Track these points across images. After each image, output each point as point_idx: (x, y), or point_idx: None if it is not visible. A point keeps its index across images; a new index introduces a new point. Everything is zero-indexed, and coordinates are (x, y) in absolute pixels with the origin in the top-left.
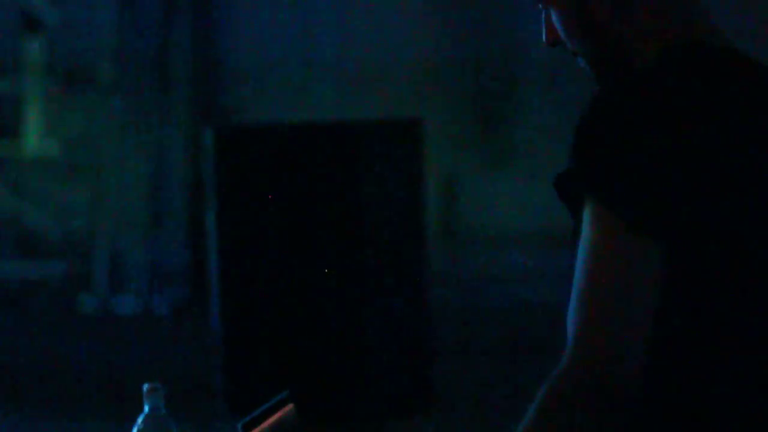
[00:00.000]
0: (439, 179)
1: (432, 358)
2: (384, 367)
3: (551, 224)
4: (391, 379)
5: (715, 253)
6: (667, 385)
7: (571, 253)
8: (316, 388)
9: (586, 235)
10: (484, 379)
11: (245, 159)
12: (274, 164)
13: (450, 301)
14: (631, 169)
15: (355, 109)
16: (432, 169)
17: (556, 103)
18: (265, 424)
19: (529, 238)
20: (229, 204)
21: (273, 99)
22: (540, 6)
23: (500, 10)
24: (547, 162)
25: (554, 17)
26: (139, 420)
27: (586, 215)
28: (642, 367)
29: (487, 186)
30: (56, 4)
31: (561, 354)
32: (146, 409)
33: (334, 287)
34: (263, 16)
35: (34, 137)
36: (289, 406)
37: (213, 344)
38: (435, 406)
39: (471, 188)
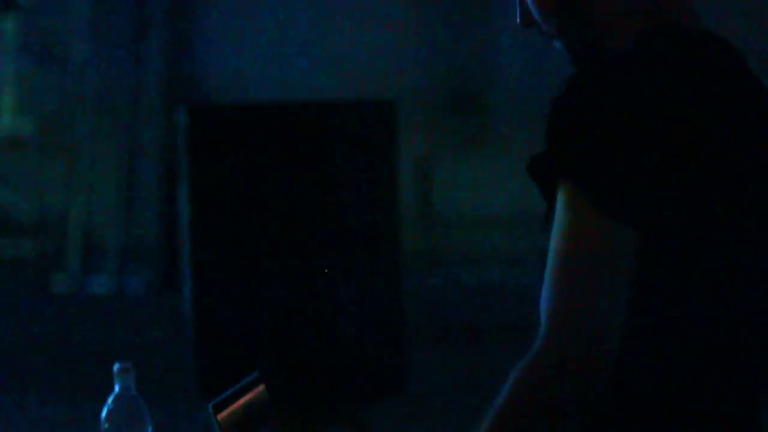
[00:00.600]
0: (413, 161)
1: (407, 340)
2: (358, 348)
3: (526, 206)
4: (365, 361)
5: (690, 237)
6: (639, 370)
7: (544, 237)
8: (289, 370)
9: (559, 218)
10: (459, 360)
11: (218, 138)
12: (247, 144)
13: (425, 282)
14: (605, 153)
15: (329, 90)
16: (407, 151)
17: (531, 85)
18: (236, 405)
19: (504, 220)
20: (202, 184)
21: (247, 79)
22: None
23: None
24: (522, 144)
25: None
26: (110, 400)
27: (560, 199)
28: (615, 351)
29: (461, 168)
30: None
31: (535, 337)
32: (117, 389)
33: (308, 269)
34: None
35: (8, 116)
36: (260, 387)
37: (184, 325)
38: (410, 389)
39: (446, 170)
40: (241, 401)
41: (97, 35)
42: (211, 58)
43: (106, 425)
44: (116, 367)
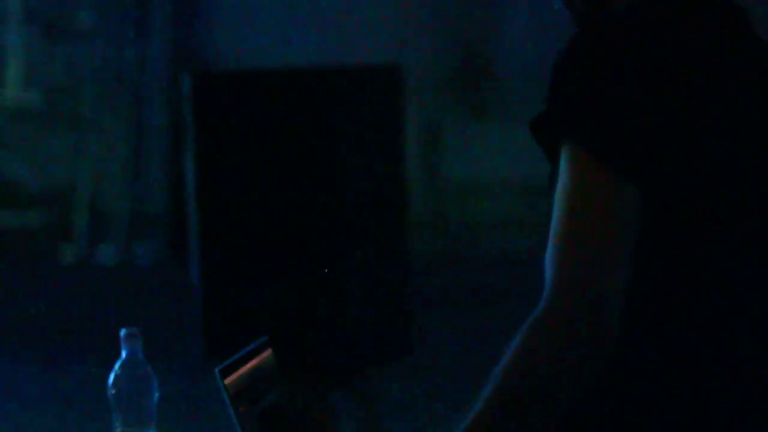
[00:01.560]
0: (420, 127)
1: (413, 306)
2: (365, 314)
3: (533, 172)
4: (372, 326)
5: (693, 193)
6: (645, 328)
7: (549, 197)
8: (296, 335)
9: (563, 177)
10: (466, 326)
11: (224, 105)
12: (253, 111)
13: (431, 248)
14: (608, 111)
15: (336, 57)
16: (414, 117)
17: (540, 51)
18: (243, 370)
19: (511, 187)
20: (208, 151)
21: (253, 45)
22: None
23: None
24: (530, 111)
25: None
26: (117, 365)
27: (563, 158)
28: (620, 308)
29: (469, 135)
30: None
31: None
32: (123, 354)
33: (315, 235)
34: None
35: (14, 87)
36: (267, 352)
37: (192, 293)
38: (416, 354)
39: (453, 136)
40: (248, 366)
41: (102, 5)
42: (216, 26)
43: (114, 390)
44: (123, 332)
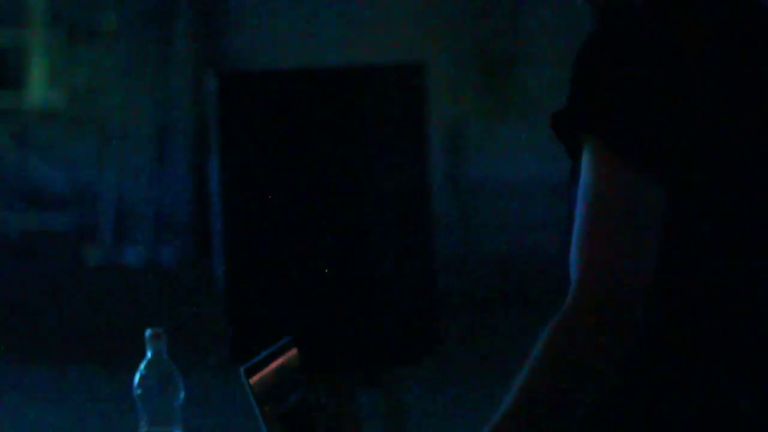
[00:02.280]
0: (442, 127)
1: (437, 305)
2: (389, 313)
3: (556, 172)
4: (396, 326)
5: (716, 188)
6: (670, 322)
7: (569, 193)
8: (321, 335)
9: (585, 174)
10: (489, 326)
11: (249, 105)
12: (277, 110)
13: (454, 248)
14: (630, 107)
15: (359, 56)
16: (437, 117)
17: (561, 50)
18: (268, 369)
19: (533, 186)
20: (233, 151)
21: (276, 45)
22: None
23: None
24: (551, 110)
25: None
26: (142, 365)
27: (585, 154)
28: (645, 303)
29: (492, 134)
30: None
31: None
32: (149, 354)
33: (339, 234)
34: None
35: (39, 88)
36: (292, 351)
37: (217, 294)
38: (440, 353)
39: (475, 136)
40: (273, 365)
41: (126, 7)
42: (240, 27)
43: (139, 390)
44: (148, 332)
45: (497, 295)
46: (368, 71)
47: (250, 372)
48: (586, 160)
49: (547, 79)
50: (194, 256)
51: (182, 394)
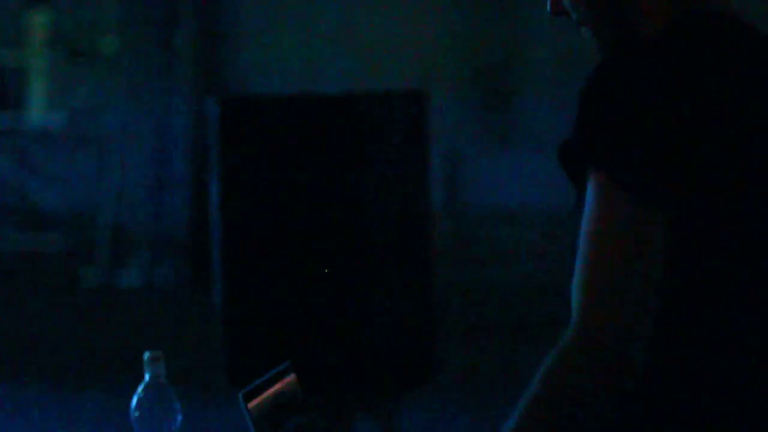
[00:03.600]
0: (442, 155)
1: (435, 332)
2: (388, 340)
3: (555, 200)
4: (395, 352)
5: (720, 223)
6: (673, 356)
7: (573, 224)
8: (319, 361)
9: (589, 205)
10: (488, 354)
11: (249, 130)
12: (278, 135)
13: (453, 276)
14: (635, 139)
15: (359, 81)
16: (435, 144)
17: (560, 80)
18: (267, 394)
19: (532, 215)
20: (233, 176)
21: (277, 71)
22: None
23: None
24: (551, 138)
25: None
26: (140, 388)
27: (590, 186)
28: (647, 336)
29: (491, 162)
30: None
31: (565, 329)
32: (147, 377)
33: (338, 261)
34: None
35: (39, 109)
36: (291, 377)
37: (214, 316)
38: (439, 381)
39: (474, 164)
40: (272, 390)
41: (127, 28)
42: (241, 50)
43: (137, 413)
44: (146, 355)
45: (496, 323)
46: (369, 98)
47: (249, 396)
48: (589, 192)
49: (547, 108)
50: (191, 279)
51: (180, 418)
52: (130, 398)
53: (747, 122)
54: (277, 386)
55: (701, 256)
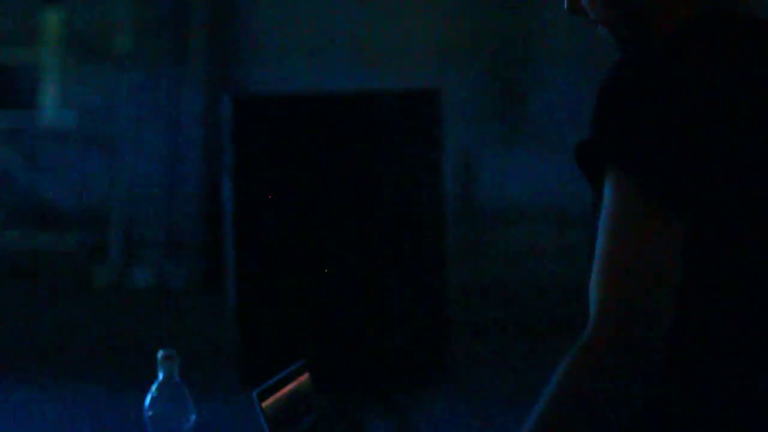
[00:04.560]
0: (456, 154)
1: (448, 332)
2: (401, 338)
3: (569, 200)
4: (408, 350)
5: (739, 223)
6: (691, 354)
7: (591, 223)
8: (332, 359)
9: (608, 204)
10: (500, 353)
11: (263, 128)
12: (292, 134)
13: (466, 275)
14: (654, 138)
15: (373, 82)
16: (449, 143)
17: (574, 78)
18: (280, 393)
19: (546, 214)
20: (246, 175)
21: (290, 70)
22: None
23: None
24: (565, 137)
25: None
26: (153, 387)
27: (608, 184)
28: (665, 337)
29: (504, 161)
30: None
31: (579, 330)
32: (160, 376)
33: (352, 259)
34: None
35: (51, 108)
36: (305, 376)
37: (228, 316)
38: (450, 381)
39: (488, 162)
40: (286, 389)
41: (140, 28)
42: (253, 50)
43: (150, 412)
44: (160, 354)
45: (509, 322)
46: (382, 96)
47: (263, 395)
48: (608, 191)
49: (562, 107)
50: (204, 278)
51: (194, 417)
52: (144, 397)
53: (765, 122)
54: (291, 385)
55: (720, 255)
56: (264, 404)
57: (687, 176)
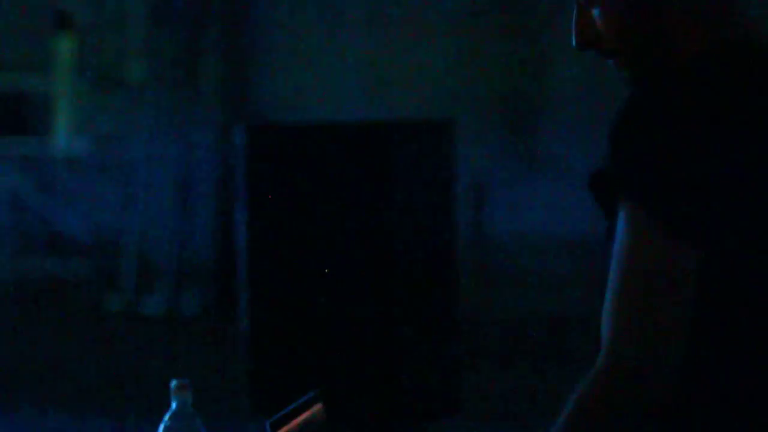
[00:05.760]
0: (468, 183)
1: (460, 362)
2: (414, 369)
3: (581, 229)
4: (421, 381)
5: (753, 258)
6: (702, 386)
7: (605, 255)
8: (344, 389)
9: (621, 236)
10: (514, 383)
11: (276, 158)
12: (305, 163)
13: (478, 305)
14: (668, 170)
15: (386, 111)
16: (462, 173)
17: (586, 108)
18: (293, 423)
19: (558, 243)
20: (259, 203)
21: (303, 99)
22: (577, 2)
23: (532, 14)
24: (577, 166)
25: (598, 12)
26: (167, 417)
27: (621, 217)
28: (677, 367)
29: (516, 190)
30: (88, 2)
31: (592, 359)
32: (173, 405)
33: (364, 288)
34: (295, 17)
35: (65, 135)
36: (318, 406)
37: (240, 344)
38: (463, 412)
39: (500, 192)
40: (299, 420)
41: (153, 56)
42: (266, 79)
43: None
44: (173, 383)
45: (522, 352)
46: (395, 126)
47: (276, 426)
48: (621, 222)
49: (573, 136)
50: (216, 306)
51: None
52: (156, 426)
53: None
54: (304, 415)
55: (733, 289)
56: None
57: (700, 208)
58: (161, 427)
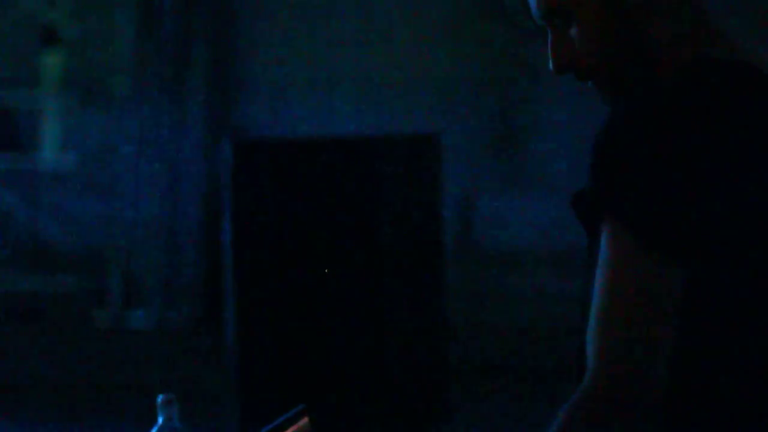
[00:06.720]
0: (455, 197)
1: (448, 373)
2: (402, 381)
3: (567, 244)
4: (410, 393)
5: (737, 275)
6: (689, 403)
7: (586, 273)
8: (332, 402)
9: (604, 255)
10: (498, 395)
11: (263, 173)
12: (292, 178)
13: (465, 318)
14: (650, 189)
15: (373, 125)
16: (449, 186)
17: (574, 122)
18: None
19: (544, 257)
20: (246, 218)
21: (290, 114)
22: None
23: (519, 29)
24: (563, 181)
25: (576, 30)
26: (153, 431)
27: (604, 235)
28: (663, 386)
29: (502, 204)
30: (75, 17)
31: (577, 375)
32: (160, 420)
33: (351, 302)
34: (282, 32)
35: (51, 150)
36: (304, 420)
37: (226, 360)
38: (451, 423)
39: (487, 206)
40: None
41: (140, 71)
42: (254, 92)
43: None
44: (160, 398)
45: (508, 365)
46: (382, 141)
47: None
48: (604, 241)
49: (561, 150)
50: (203, 321)
51: None
52: None
53: (762, 172)
54: (291, 429)
55: (717, 306)
56: None
57: (684, 227)
58: None
